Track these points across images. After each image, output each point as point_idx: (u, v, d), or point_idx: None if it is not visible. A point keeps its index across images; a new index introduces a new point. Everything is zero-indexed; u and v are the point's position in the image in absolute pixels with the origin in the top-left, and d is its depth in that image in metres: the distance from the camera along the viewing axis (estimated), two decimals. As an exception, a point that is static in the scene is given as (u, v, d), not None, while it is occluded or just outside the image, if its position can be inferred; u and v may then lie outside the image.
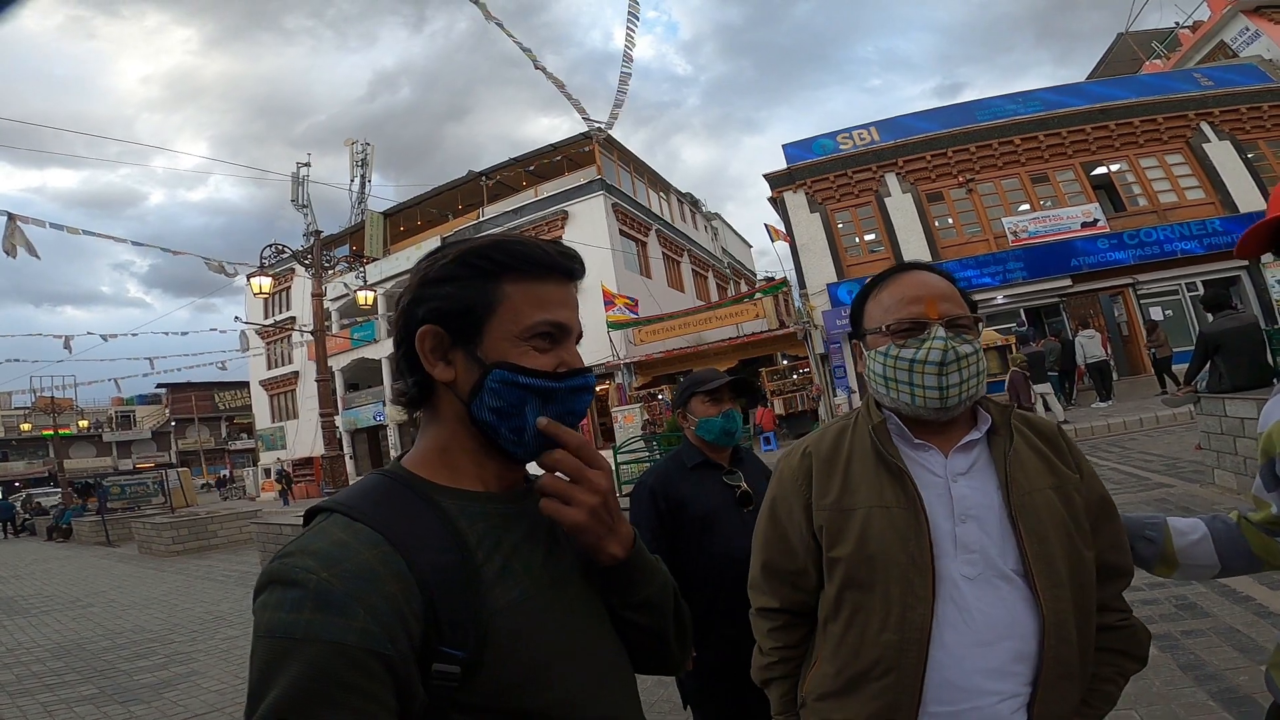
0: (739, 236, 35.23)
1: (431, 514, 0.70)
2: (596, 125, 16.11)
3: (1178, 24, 21.70)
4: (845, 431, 1.16)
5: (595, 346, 19.59)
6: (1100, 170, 16.76)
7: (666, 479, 2.10)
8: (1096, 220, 15.42)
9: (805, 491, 1.12)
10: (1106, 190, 16.83)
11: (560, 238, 20.99)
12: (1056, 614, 0.96)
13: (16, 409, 41.84)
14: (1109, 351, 14.12)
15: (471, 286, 0.75)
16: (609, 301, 19.00)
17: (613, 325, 19.07)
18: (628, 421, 16.61)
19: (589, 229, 20.56)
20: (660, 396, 19.71)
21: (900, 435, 1.09)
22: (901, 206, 16.60)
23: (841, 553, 1.04)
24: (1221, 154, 15.68)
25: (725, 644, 1.96)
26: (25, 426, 37.54)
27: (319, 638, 0.57)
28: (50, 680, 5.14)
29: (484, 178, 23.71)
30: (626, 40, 12.87)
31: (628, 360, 19.17)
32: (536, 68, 12.40)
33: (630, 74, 13.65)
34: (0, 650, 6.32)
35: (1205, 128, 15.98)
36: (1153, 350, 12.58)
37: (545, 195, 22.22)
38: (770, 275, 19.75)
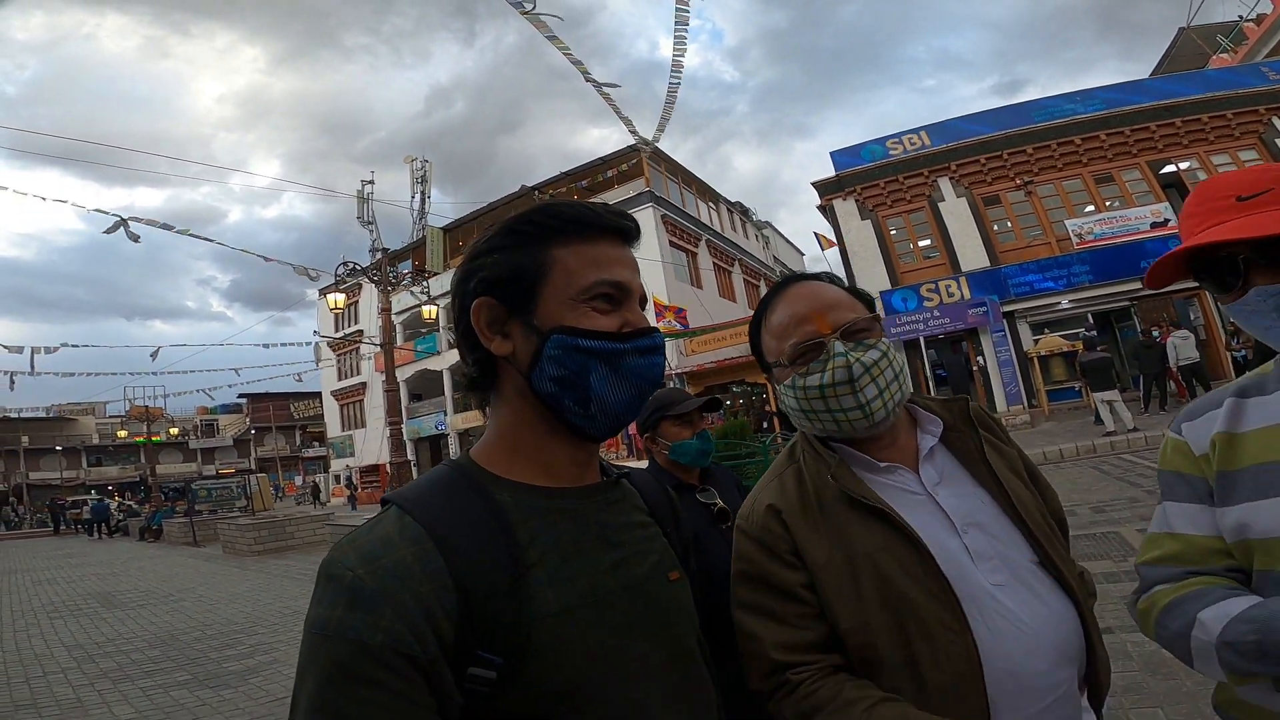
0: (791, 244, 34.93)
1: (484, 508, 0.67)
2: (644, 139, 16.45)
3: (1241, 17, 20.49)
4: (801, 478, 1.03)
5: (647, 356, 19.87)
6: (1169, 169, 15.98)
7: None
8: (1167, 220, 14.68)
9: (792, 554, 0.98)
10: (1177, 189, 16.03)
11: (612, 250, 21.44)
12: (1080, 588, 0.94)
13: (111, 417, 45.04)
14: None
15: (520, 253, 0.72)
16: (659, 313, 19.25)
17: (664, 336, 19.29)
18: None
19: (639, 241, 20.88)
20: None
21: (862, 464, 1.01)
22: (956, 211, 16.23)
23: (856, 620, 0.92)
24: (1298, 147, 14.76)
25: (721, 660, 2.04)
26: (122, 434, 40.44)
27: (345, 635, 0.57)
28: (149, 668, 5.67)
29: (536, 192, 24.37)
30: (675, 50, 13.02)
31: (679, 371, 19.33)
32: (587, 80, 12.71)
33: (679, 84, 13.83)
34: (102, 640, 6.94)
35: (1277, 122, 15.09)
36: (1242, 352, 11.73)
37: (596, 209, 22.62)
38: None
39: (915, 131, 17.07)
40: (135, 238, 10.44)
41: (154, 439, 33.55)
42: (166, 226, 11.74)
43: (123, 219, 10.34)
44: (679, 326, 19.49)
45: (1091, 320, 15.38)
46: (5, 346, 16.63)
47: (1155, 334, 13.37)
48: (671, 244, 21.88)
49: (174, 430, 40.67)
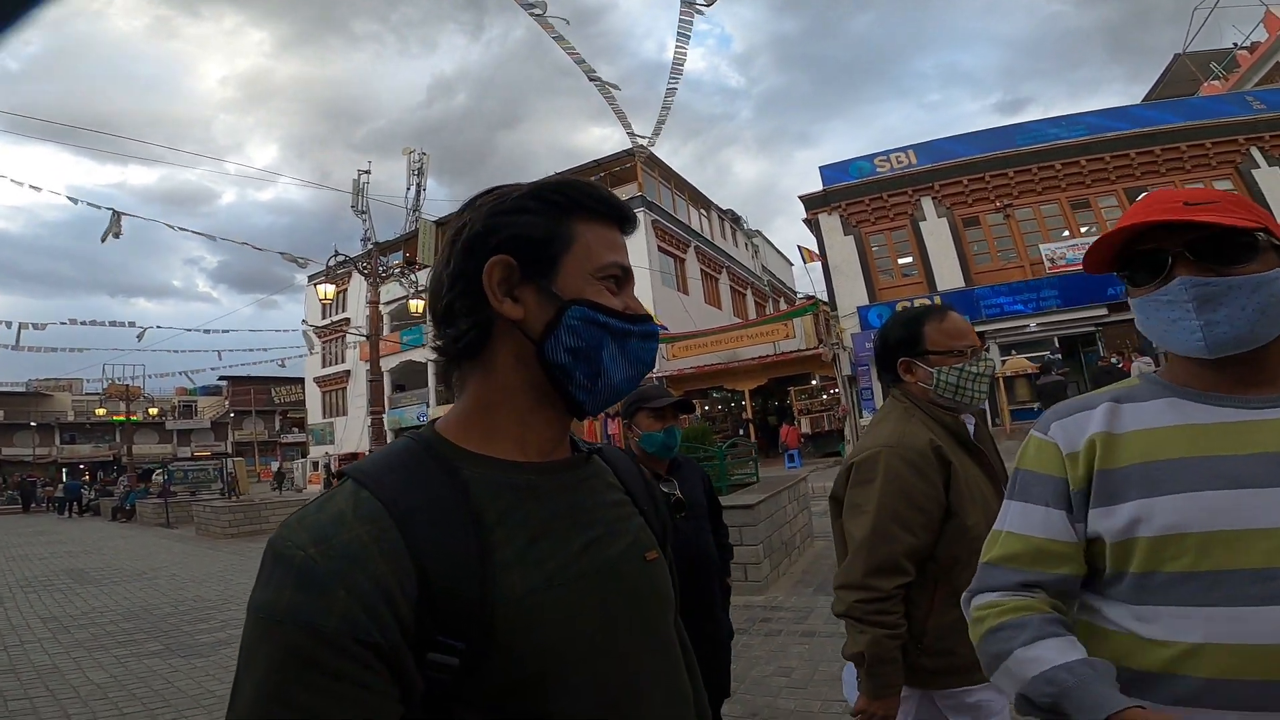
0: (780, 254, 35.36)
1: (448, 484, 0.64)
2: (640, 143, 16.69)
3: (1236, 45, 21.10)
4: (930, 427, 1.55)
5: (629, 358, 20.10)
6: (1144, 196, 16.53)
7: None
8: (1137, 250, 15.23)
9: (938, 480, 1.47)
10: (1151, 219, 16.54)
11: (600, 252, 21.65)
12: None
13: (88, 395, 44.53)
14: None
15: (548, 219, 0.71)
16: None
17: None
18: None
19: (629, 244, 21.09)
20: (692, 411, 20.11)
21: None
22: (936, 231, 16.67)
23: (973, 519, 1.46)
24: (1271, 180, 15.25)
25: None
26: (100, 411, 40.00)
27: (295, 619, 0.54)
28: (122, 638, 5.83)
29: (530, 191, 24.54)
30: (675, 56, 13.26)
31: (659, 374, 19.60)
32: (590, 79, 12.92)
33: (676, 90, 14.06)
34: (76, 613, 7.07)
35: (1255, 153, 15.60)
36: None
37: (588, 210, 22.81)
38: (810, 295, 19.94)
39: (903, 150, 17.51)
40: (118, 234, 10.58)
41: (132, 418, 33.30)
42: (154, 221, 11.91)
43: (115, 213, 10.46)
44: (663, 330, 19.76)
45: (1058, 344, 15.85)
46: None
47: (1116, 361, 13.83)
48: (660, 249, 22.12)
49: (153, 410, 40.22)
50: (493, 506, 0.65)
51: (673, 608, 0.80)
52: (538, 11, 8.65)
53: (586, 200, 0.73)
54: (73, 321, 19.49)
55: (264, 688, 0.54)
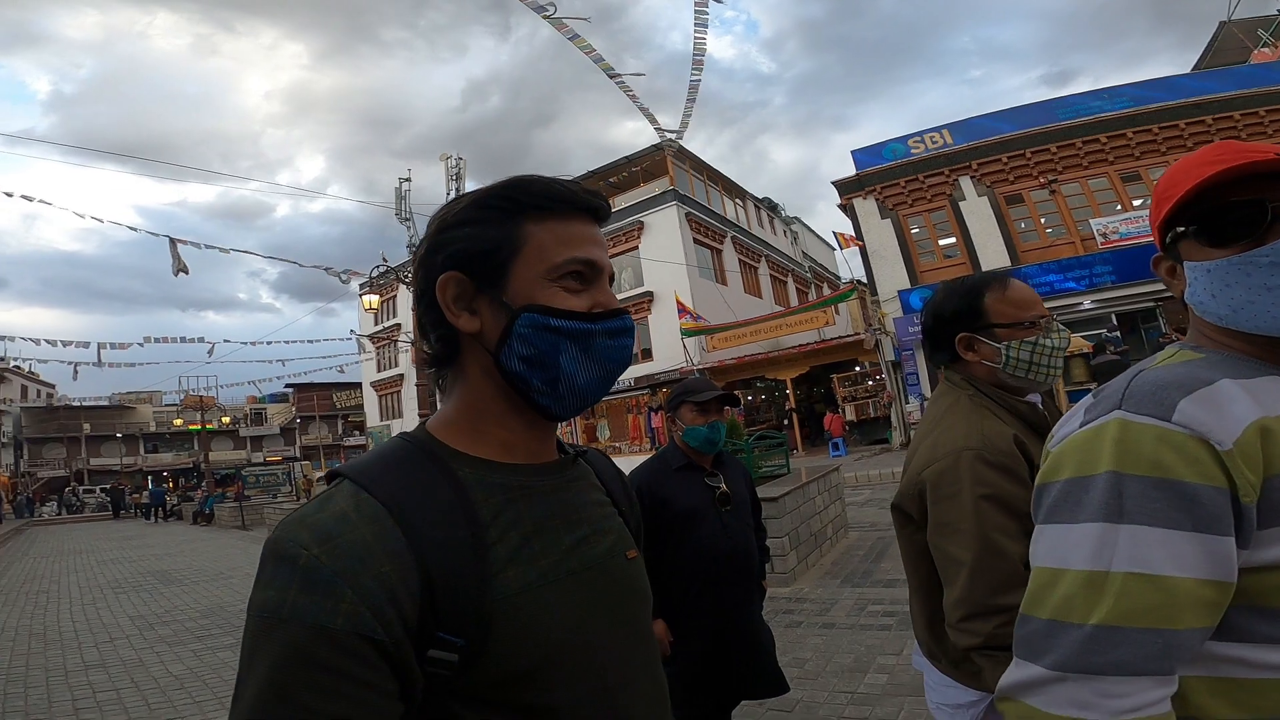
0: (821, 240, 34.81)
1: (445, 484, 0.65)
2: (668, 136, 16.76)
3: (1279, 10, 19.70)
4: (1001, 416, 1.31)
5: (670, 354, 20.27)
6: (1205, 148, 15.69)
7: (652, 478, 2.24)
8: (1194, 222, 14.50)
9: (1029, 476, 1.20)
10: (1211, 187, 15.70)
11: (636, 248, 21.79)
12: None
13: (167, 406, 47.38)
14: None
15: (493, 226, 0.70)
16: (682, 310, 19.62)
17: (686, 333, 19.67)
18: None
19: (663, 239, 21.24)
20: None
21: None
22: (977, 210, 16.19)
23: None
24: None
25: (707, 633, 2.13)
26: (178, 422, 42.65)
27: (301, 620, 0.54)
28: (199, 634, 6.35)
29: (566, 191, 24.86)
30: (695, 49, 13.28)
31: (701, 366, 19.69)
32: (611, 78, 13.10)
33: (699, 81, 14.10)
34: (160, 611, 7.69)
35: (1314, 117, 14.61)
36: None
37: (622, 206, 23.01)
38: (851, 280, 19.67)
39: (937, 130, 17.01)
40: (184, 270, 11.38)
41: (207, 427, 35.36)
42: (209, 247, 12.76)
43: (171, 240, 11.25)
44: (703, 322, 19.79)
45: (1115, 321, 15.23)
46: (75, 342, 17.98)
47: (1177, 338, 13.22)
48: (696, 241, 22.14)
49: (225, 419, 42.66)
50: (487, 505, 0.66)
51: (650, 604, 0.81)
52: (549, 13, 8.84)
53: (534, 198, 0.70)
54: (148, 340, 20.89)
55: (269, 687, 0.53)
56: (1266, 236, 0.70)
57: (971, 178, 16.44)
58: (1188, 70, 18.54)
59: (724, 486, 2.23)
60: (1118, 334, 14.78)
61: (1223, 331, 0.76)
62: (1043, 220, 16.16)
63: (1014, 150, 16.09)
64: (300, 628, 0.54)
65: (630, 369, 21.77)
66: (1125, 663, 0.62)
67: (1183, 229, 0.77)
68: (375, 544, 0.58)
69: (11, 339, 22.18)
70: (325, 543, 0.57)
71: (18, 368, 39.02)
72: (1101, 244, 15.10)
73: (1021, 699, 0.66)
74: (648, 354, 21.64)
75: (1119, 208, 15.65)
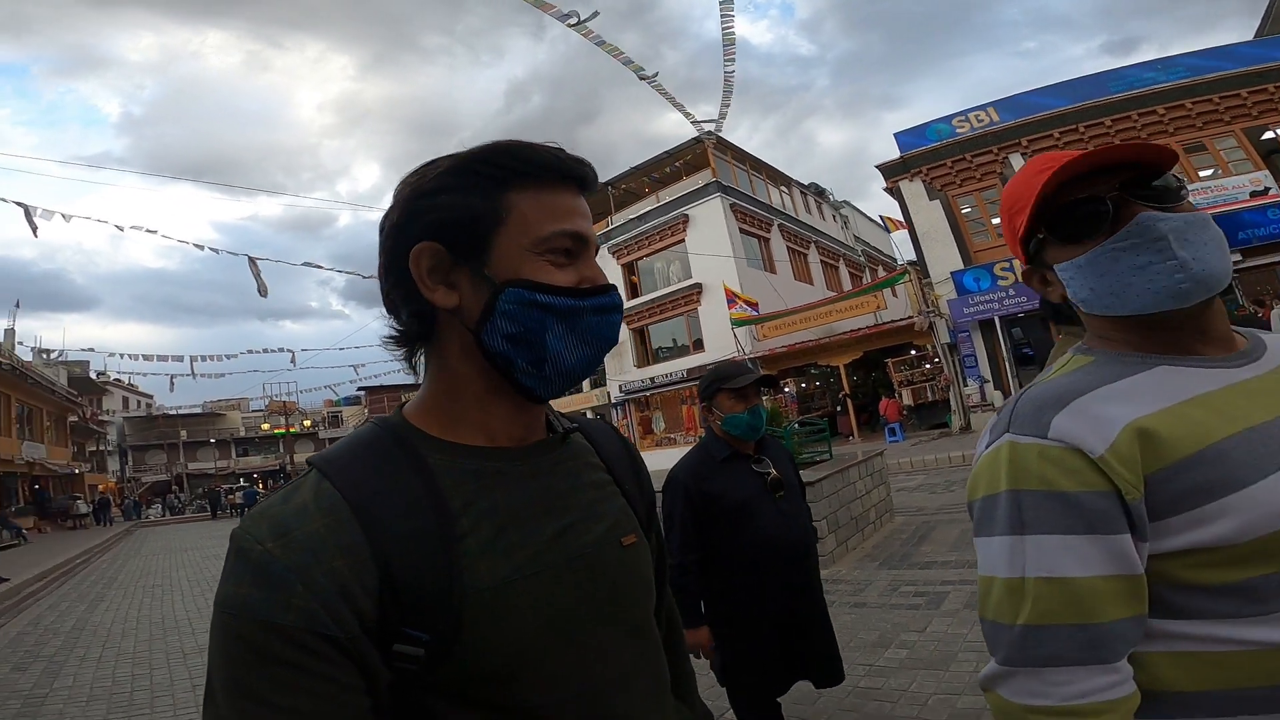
0: (873, 222, 34.08)
1: (412, 471, 0.62)
2: (705, 129, 16.85)
3: None
4: None
5: (720, 343, 20.44)
6: (1269, 135, 14.71)
7: (698, 472, 2.16)
8: (1268, 189, 13.64)
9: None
10: (1281, 156, 14.75)
11: (682, 241, 22.00)
12: None
13: (254, 411, 50.48)
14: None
15: (475, 195, 0.64)
16: (731, 300, 19.74)
17: (736, 322, 19.79)
18: (754, 415, 17.27)
19: (709, 231, 21.35)
20: (786, 389, 20.17)
21: None
22: (1032, 186, 15.71)
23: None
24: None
25: (769, 624, 2.08)
26: (265, 426, 45.54)
27: (253, 615, 0.53)
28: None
29: (610, 187, 25.08)
30: (725, 37, 13.32)
31: (753, 355, 19.78)
32: (642, 79, 13.34)
33: (733, 71, 14.17)
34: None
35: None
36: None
37: (666, 201, 23.21)
38: (902, 262, 19.34)
39: (983, 108, 16.54)
40: (265, 291, 12.37)
41: (290, 430, 37.62)
42: (284, 262, 13.82)
43: (251, 260, 12.27)
44: (751, 312, 19.86)
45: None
46: (171, 356, 19.64)
47: (1255, 310, 12.55)
48: (742, 231, 22.13)
49: (306, 423, 45.19)
50: (459, 494, 0.63)
51: (653, 593, 0.77)
52: (573, 22, 9.12)
53: (520, 165, 0.65)
54: (232, 356, 22.57)
55: (230, 682, 0.54)
56: (1116, 225, 0.75)
57: (1023, 154, 15.92)
58: (1251, 37, 17.40)
59: (774, 472, 2.16)
60: (1189, 306, 14.12)
61: (1109, 325, 0.80)
62: (1105, 195, 15.52)
63: (1066, 125, 15.50)
64: (251, 623, 0.54)
65: (683, 360, 22.12)
66: (1056, 656, 0.67)
67: (1041, 236, 0.82)
68: (329, 537, 0.57)
69: (113, 354, 24.29)
70: (280, 537, 0.56)
71: (119, 381, 42.48)
72: (1169, 215, 14.42)
73: (993, 689, 0.72)
74: (699, 345, 21.85)
75: (1185, 179, 14.90)
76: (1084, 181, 0.77)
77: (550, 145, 0.69)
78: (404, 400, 0.74)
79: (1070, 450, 0.70)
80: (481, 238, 0.65)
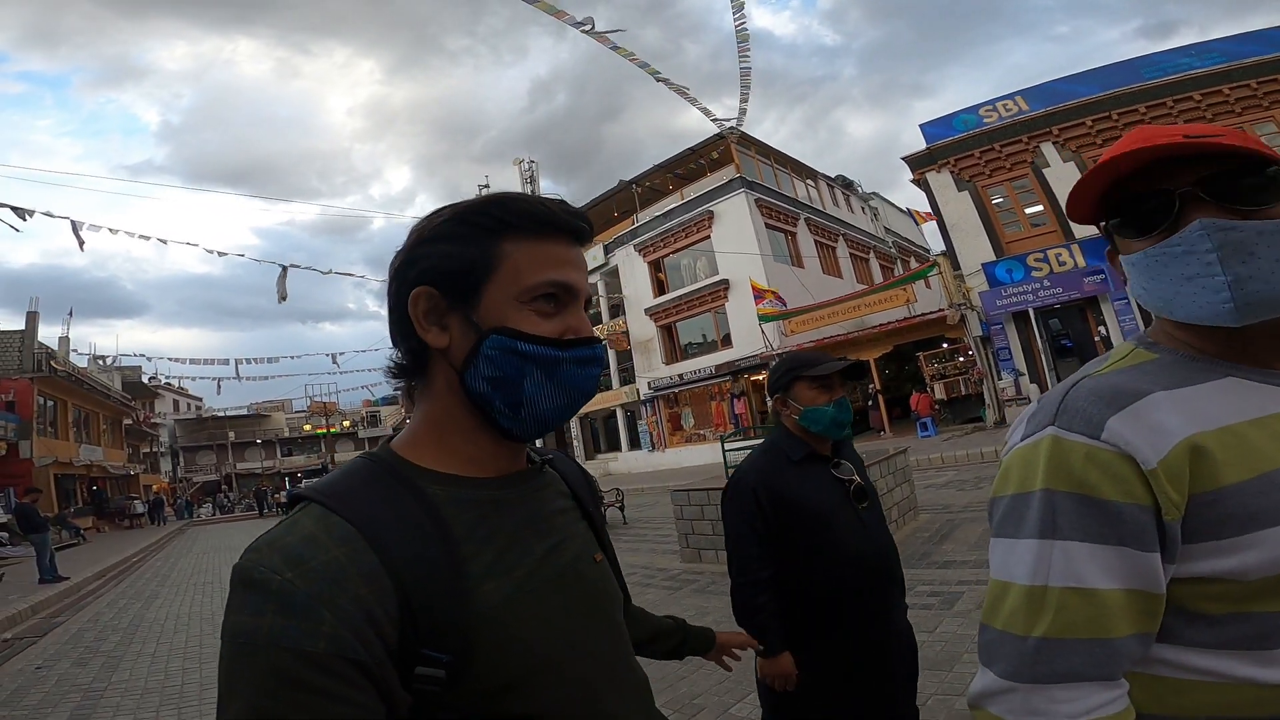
0: (905, 214, 33.52)
1: (415, 502, 0.65)
2: (726, 126, 16.80)
3: None
4: None
5: (748, 339, 20.42)
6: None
7: (770, 475, 1.85)
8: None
9: None
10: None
11: (708, 237, 22.00)
12: None
13: (297, 412, 52.06)
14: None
15: (470, 244, 0.69)
16: (758, 295, 19.69)
17: (764, 318, 19.73)
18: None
19: (734, 226, 21.33)
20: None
21: None
22: (1064, 176, 15.24)
23: None
24: None
25: (855, 647, 1.76)
26: (307, 427, 46.94)
27: (281, 644, 0.53)
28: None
29: (634, 185, 25.23)
30: (738, 34, 13.24)
31: (781, 350, 19.70)
32: (658, 80, 13.40)
33: (749, 67, 14.12)
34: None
35: None
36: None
37: (690, 198, 23.18)
38: (938, 253, 19.02)
39: (1010, 97, 16.16)
40: (284, 297, 12.83)
41: (331, 430, 38.72)
42: (316, 270, 14.32)
43: (282, 268, 12.75)
44: (779, 307, 19.77)
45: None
46: (217, 359, 20.44)
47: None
48: (768, 226, 22.01)
49: (346, 423, 46.42)
50: (460, 521, 0.66)
51: (622, 605, 0.83)
52: (587, 29, 9.23)
53: (513, 217, 0.70)
54: (274, 359, 23.32)
55: (252, 712, 0.53)
56: (1178, 224, 0.68)
57: (1054, 143, 15.52)
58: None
59: (856, 478, 1.88)
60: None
61: (1178, 326, 0.73)
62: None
63: (1098, 113, 15.07)
64: (281, 652, 0.54)
65: (711, 356, 22.17)
66: (1069, 672, 0.64)
67: (1106, 222, 0.76)
68: (348, 565, 0.58)
69: (162, 359, 25.36)
70: (296, 566, 0.57)
71: (169, 384, 44.26)
72: (1211, 203, 13.96)
73: (985, 708, 0.68)
74: (728, 341, 21.85)
75: None
76: (1170, 167, 0.69)
77: (550, 198, 0.74)
78: (391, 434, 0.81)
79: (1122, 457, 0.65)
80: (473, 285, 0.69)
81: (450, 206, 0.73)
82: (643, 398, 24.02)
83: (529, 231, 0.70)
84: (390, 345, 0.76)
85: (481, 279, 0.69)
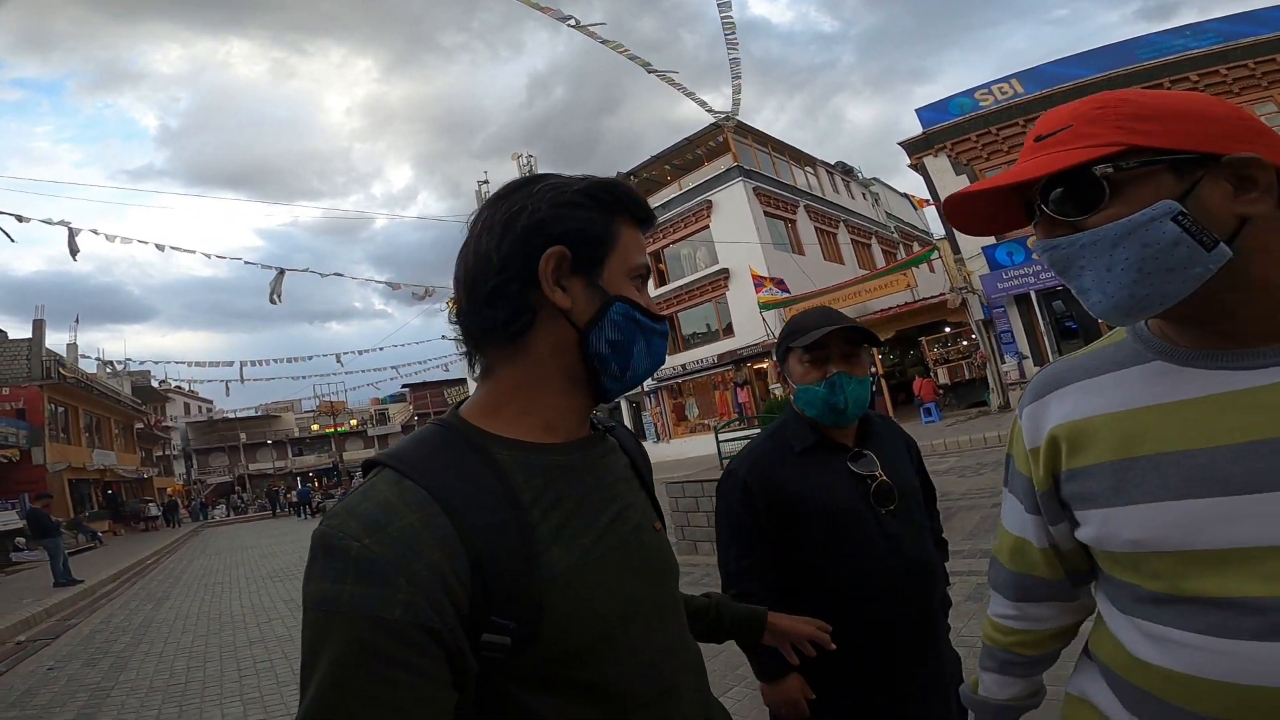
0: (906, 198, 33.30)
1: (485, 468, 0.66)
2: (720, 117, 16.71)
3: None
4: None
5: (750, 327, 20.40)
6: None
7: (766, 468, 1.50)
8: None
9: None
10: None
11: (707, 227, 21.95)
12: None
13: (305, 412, 52.49)
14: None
15: (599, 217, 0.74)
16: (758, 284, 19.65)
17: (764, 306, 19.70)
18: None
19: (733, 215, 21.28)
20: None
21: None
22: (1063, 156, 15.22)
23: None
24: None
25: (871, 684, 1.41)
26: (315, 427, 47.34)
27: (360, 611, 0.55)
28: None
29: (632, 177, 24.98)
30: (725, 30, 13.15)
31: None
32: (650, 73, 13.34)
33: (739, 61, 14.04)
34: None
35: None
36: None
37: (688, 188, 23.12)
38: (936, 238, 18.95)
39: (1006, 80, 16.08)
40: (278, 298, 12.95)
41: (339, 429, 38.98)
42: (314, 273, 14.47)
43: (279, 270, 12.90)
44: (781, 294, 19.73)
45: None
46: (221, 362, 20.65)
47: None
48: (767, 214, 21.94)
49: (353, 422, 46.73)
50: (528, 488, 0.67)
51: (678, 574, 0.85)
52: (572, 24, 9.22)
53: (628, 203, 0.77)
54: (279, 361, 23.56)
55: (332, 678, 0.54)
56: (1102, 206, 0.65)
57: (1052, 126, 15.44)
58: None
59: (880, 473, 1.46)
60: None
61: None
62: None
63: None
64: (360, 619, 0.55)
65: (713, 345, 22.16)
66: (994, 581, 0.95)
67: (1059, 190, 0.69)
68: (423, 531, 0.59)
69: (170, 363, 25.67)
70: (375, 532, 0.58)
71: (179, 388, 44.69)
72: (1216, 181, 13.88)
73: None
74: (729, 330, 21.85)
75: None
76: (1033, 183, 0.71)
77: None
78: (460, 400, 0.81)
79: (1024, 434, 0.83)
80: (600, 255, 0.74)
81: (574, 178, 0.76)
82: (647, 389, 24.08)
83: (635, 217, 0.78)
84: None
85: (607, 250, 0.74)
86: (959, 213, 0.77)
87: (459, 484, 0.64)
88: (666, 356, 0.84)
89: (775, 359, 1.65)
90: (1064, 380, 0.78)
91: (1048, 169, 0.66)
